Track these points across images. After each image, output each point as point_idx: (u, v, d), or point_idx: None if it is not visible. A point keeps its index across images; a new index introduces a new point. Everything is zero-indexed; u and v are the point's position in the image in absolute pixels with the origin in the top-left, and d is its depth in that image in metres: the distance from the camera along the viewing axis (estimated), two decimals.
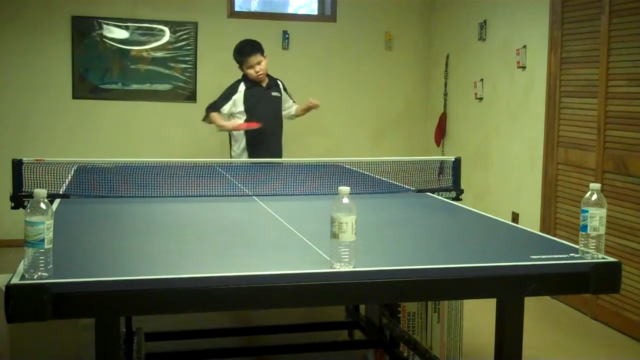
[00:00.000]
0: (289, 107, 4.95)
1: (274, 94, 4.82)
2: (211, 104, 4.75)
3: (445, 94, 6.29)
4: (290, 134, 6.41)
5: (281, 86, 4.91)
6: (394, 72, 6.62)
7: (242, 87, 4.72)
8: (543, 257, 2.04)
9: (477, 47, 5.77)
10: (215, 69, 6.25)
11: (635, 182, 3.92)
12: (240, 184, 3.48)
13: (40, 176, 3.13)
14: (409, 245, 2.33)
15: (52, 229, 1.71)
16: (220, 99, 4.73)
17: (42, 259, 1.69)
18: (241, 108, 4.70)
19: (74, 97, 6.03)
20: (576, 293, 2.44)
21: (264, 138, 4.70)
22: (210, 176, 3.47)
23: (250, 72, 4.68)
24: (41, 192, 1.71)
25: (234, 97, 4.69)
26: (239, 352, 3.44)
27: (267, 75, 4.80)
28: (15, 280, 1.67)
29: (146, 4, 6.09)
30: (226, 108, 4.68)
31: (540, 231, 4.53)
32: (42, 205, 1.69)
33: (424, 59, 6.67)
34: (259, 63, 4.66)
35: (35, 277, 1.68)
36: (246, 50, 4.71)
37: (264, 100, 4.75)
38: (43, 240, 1.68)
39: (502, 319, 2.08)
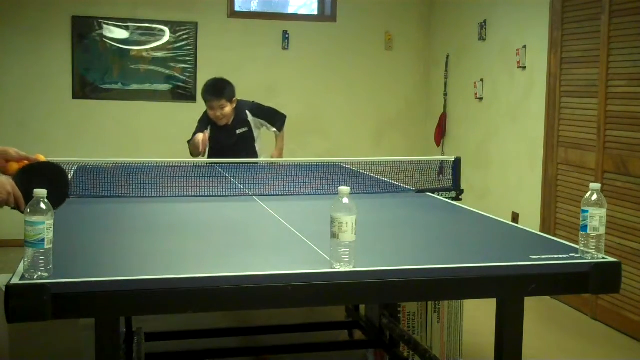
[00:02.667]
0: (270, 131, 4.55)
1: (239, 131, 4.45)
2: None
3: (445, 94, 6.29)
4: (291, 134, 6.42)
5: (250, 118, 4.47)
6: (394, 72, 6.62)
7: (209, 123, 4.44)
8: (543, 257, 2.04)
9: (477, 47, 5.77)
10: (215, 69, 6.23)
11: (635, 182, 3.92)
12: (240, 184, 3.48)
13: None
14: (409, 245, 2.32)
15: (52, 229, 1.71)
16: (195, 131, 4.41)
17: (42, 259, 1.69)
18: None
19: (74, 97, 6.03)
20: (576, 293, 2.44)
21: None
22: (210, 176, 3.47)
23: (210, 112, 4.38)
24: (41, 192, 1.71)
25: (207, 130, 4.42)
26: (239, 352, 3.44)
27: (239, 108, 4.43)
28: (15, 280, 1.67)
29: (146, 4, 6.09)
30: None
31: (540, 231, 4.53)
32: (42, 205, 1.69)
33: (424, 59, 6.67)
34: (221, 107, 4.33)
35: (35, 277, 1.68)
36: (208, 91, 4.40)
37: (227, 138, 4.43)
38: (43, 240, 1.68)
39: (502, 319, 2.08)
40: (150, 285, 1.73)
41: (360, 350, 3.58)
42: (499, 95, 5.45)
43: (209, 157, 4.41)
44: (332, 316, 3.88)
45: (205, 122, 4.45)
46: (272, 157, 4.45)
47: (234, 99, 4.41)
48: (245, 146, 4.47)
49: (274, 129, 4.55)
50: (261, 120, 4.52)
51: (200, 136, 4.25)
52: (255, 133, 4.51)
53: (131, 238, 2.34)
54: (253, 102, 4.58)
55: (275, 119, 4.55)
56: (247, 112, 4.49)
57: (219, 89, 4.39)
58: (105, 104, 6.09)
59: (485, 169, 5.62)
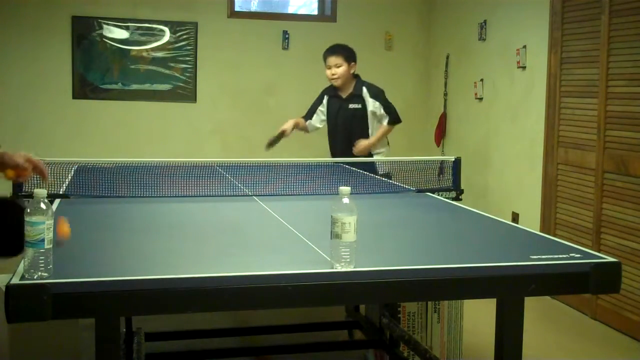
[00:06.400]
0: (380, 117, 4.54)
1: (352, 106, 4.52)
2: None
3: (445, 94, 6.29)
4: (291, 134, 6.41)
5: (367, 96, 4.50)
6: (394, 72, 6.62)
7: (325, 97, 4.67)
8: (543, 257, 2.03)
9: (477, 47, 5.77)
10: (215, 69, 6.26)
11: (635, 182, 3.92)
12: (240, 184, 3.48)
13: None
14: (409, 245, 2.32)
15: (52, 229, 1.71)
16: (308, 110, 4.75)
17: (42, 259, 1.69)
18: (324, 117, 4.68)
19: (74, 97, 6.04)
20: (576, 293, 2.44)
21: (334, 150, 4.65)
22: (210, 176, 3.46)
23: (327, 72, 4.54)
24: (41, 192, 1.71)
25: (319, 109, 4.68)
26: (239, 352, 3.44)
27: (358, 83, 4.54)
28: (15, 280, 1.67)
29: (146, 4, 6.09)
30: (314, 121, 4.71)
31: (540, 231, 4.53)
32: (42, 205, 1.69)
33: (424, 59, 6.66)
34: (337, 66, 4.47)
35: (35, 277, 1.68)
36: (327, 50, 4.58)
37: (340, 113, 4.56)
38: (43, 240, 1.68)
39: (502, 319, 2.08)
40: (150, 285, 1.73)
41: (360, 350, 3.58)
42: (499, 95, 5.45)
43: (330, 136, 4.66)
44: (332, 316, 3.88)
45: (320, 98, 4.68)
46: (362, 143, 4.47)
47: (353, 64, 4.53)
48: (359, 124, 4.53)
49: (385, 121, 4.54)
50: (377, 103, 4.50)
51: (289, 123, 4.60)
52: (370, 116, 4.52)
53: (131, 238, 2.34)
54: (373, 85, 4.59)
55: (390, 110, 4.54)
56: (364, 88, 4.54)
57: (337, 46, 4.57)
58: (105, 104, 6.09)
59: (485, 169, 5.62)
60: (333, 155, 4.61)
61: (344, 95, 4.55)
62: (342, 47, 4.57)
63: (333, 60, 4.49)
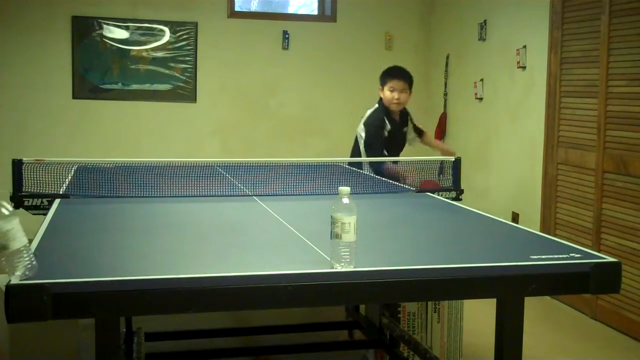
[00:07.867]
0: (414, 136, 4.54)
1: (404, 129, 4.46)
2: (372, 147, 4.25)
3: (445, 94, 6.29)
4: (290, 134, 6.43)
5: (410, 117, 4.50)
6: None
7: (384, 119, 4.29)
8: (543, 257, 2.03)
9: (477, 47, 5.77)
10: (215, 69, 6.26)
11: (635, 182, 3.92)
12: (240, 184, 3.48)
13: (40, 176, 3.12)
14: (409, 245, 2.32)
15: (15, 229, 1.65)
16: (374, 139, 4.24)
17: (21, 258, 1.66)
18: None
19: (74, 97, 6.04)
20: (576, 293, 2.44)
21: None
22: (210, 176, 3.46)
23: (387, 94, 4.26)
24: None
25: (385, 131, 4.29)
26: (239, 352, 3.44)
27: (404, 109, 4.42)
28: (15, 280, 1.67)
29: (146, 4, 6.09)
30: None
31: (540, 231, 4.53)
32: (4, 211, 1.65)
33: (424, 59, 6.66)
34: (402, 91, 4.25)
35: (20, 277, 1.64)
36: (394, 72, 4.32)
37: (397, 137, 4.38)
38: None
39: (502, 319, 2.07)
40: (150, 285, 1.73)
41: (360, 350, 3.58)
42: (499, 95, 5.45)
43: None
44: (332, 316, 3.88)
45: (381, 126, 4.27)
46: (445, 149, 4.55)
47: (411, 93, 4.36)
48: (402, 146, 4.49)
49: (422, 130, 4.58)
50: (412, 125, 4.50)
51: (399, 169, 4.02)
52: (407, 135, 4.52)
53: (131, 238, 2.34)
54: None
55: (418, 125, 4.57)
56: (409, 114, 4.49)
57: (406, 71, 4.35)
58: (105, 104, 6.09)
59: (485, 169, 5.62)
60: None
61: (397, 118, 4.38)
62: (409, 73, 4.36)
63: (401, 84, 4.26)
